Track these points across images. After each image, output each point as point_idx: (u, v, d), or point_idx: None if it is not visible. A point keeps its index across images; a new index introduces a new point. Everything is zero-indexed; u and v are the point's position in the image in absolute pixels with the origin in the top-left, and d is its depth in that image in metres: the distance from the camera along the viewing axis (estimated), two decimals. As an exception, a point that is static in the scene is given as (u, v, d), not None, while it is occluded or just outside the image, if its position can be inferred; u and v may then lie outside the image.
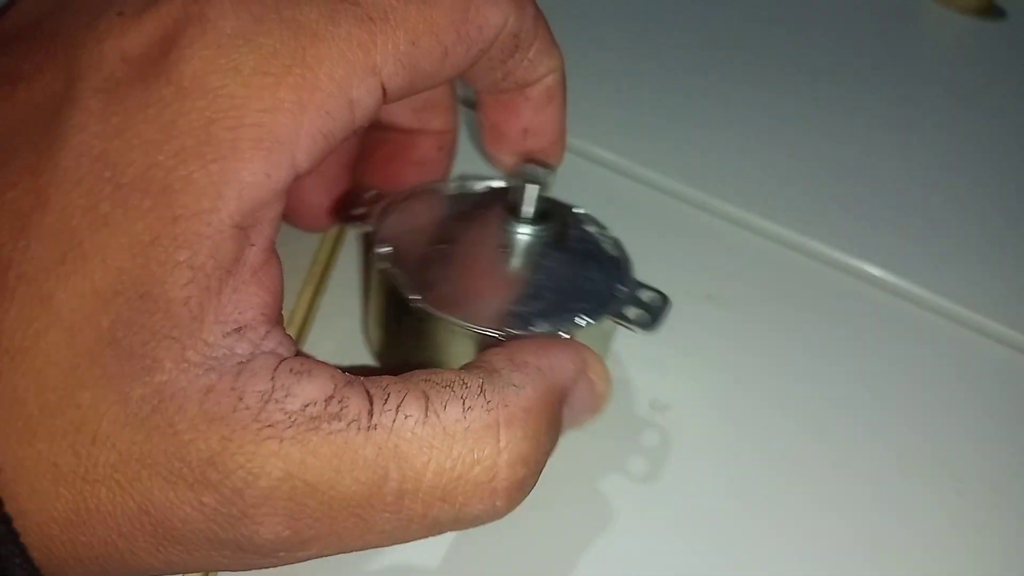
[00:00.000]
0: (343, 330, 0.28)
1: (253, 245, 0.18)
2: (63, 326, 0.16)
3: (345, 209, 0.25)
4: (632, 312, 0.24)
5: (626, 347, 0.28)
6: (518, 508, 0.19)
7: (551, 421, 0.20)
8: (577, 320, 0.23)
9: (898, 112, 0.43)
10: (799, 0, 0.51)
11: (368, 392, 0.18)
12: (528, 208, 0.24)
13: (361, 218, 0.25)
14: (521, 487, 0.19)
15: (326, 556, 0.18)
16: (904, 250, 0.34)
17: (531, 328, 0.22)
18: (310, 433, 0.17)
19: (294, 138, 0.17)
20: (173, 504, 0.17)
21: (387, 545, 0.19)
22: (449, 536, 0.23)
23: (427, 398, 0.18)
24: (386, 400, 0.18)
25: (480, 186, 0.27)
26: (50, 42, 0.18)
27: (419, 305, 0.22)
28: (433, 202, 0.26)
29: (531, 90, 0.24)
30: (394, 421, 0.18)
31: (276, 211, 0.18)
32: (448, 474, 0.18)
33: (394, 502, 0.18)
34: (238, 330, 0.17)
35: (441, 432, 0.18)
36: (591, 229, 0.26)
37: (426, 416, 0.18)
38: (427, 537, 0.19)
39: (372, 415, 0.18)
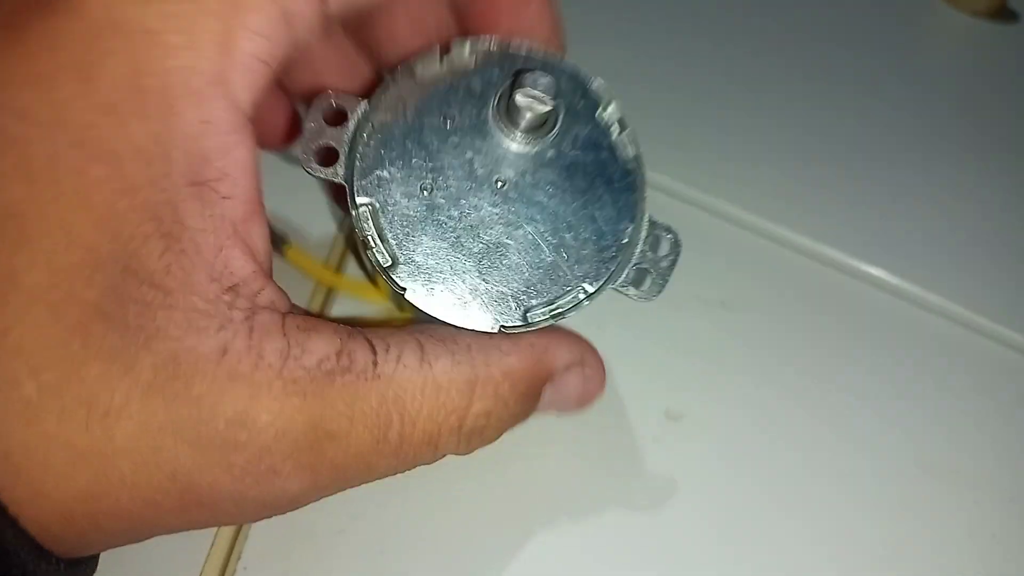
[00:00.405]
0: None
1: (227, 198, 0.17)
2: (43, 304, 0.16)
3: (308, 143, 0.20)
4: (636, 273, 0.21)
5: (639, 354, 0.27)
6: (539, 521, 0.21)
7: (525, 393, 0.21)
8: (577, 297, 0.21)
9: (908, 115, 0.42)
10: (807, 3, 0.50)
11: (371, 343, 0.19)
12: (528, 125, 0.21)
13: (329, 158, 0.20)
14: (480, 435, 0.20)
15: (327, 496, 0.19)
16: (918, 256, 0.34)
17: (528, 319, 0.20)
18: (327, 387, 0.17)
19: (226, 74, 0.16)
20: (201, 468, 0.16)
21: (374, 481, 0.20)
22: (472, 536, 0.23)
23: (422, 349, 0.19)
24: (388, 349, 0.19)
25: (467, 49, 0.22)
26: None
27: (409, 299, 0.20)
28: (412, 103, 0.21)
29: None
30: (395, 370, 0.18)
31: (241, 156, 0.17)
32: (434, 420, 0.19)
33: (395, 447, 0.18)
34: (233, 288, 0.17)
35: (432, 382, 0.19)
36: (602, 115, 0.22)
37: (420, 366, 0.19)
38: (403, 473, 0.20)
39: (376, 364, 0.18)
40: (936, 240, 0.35)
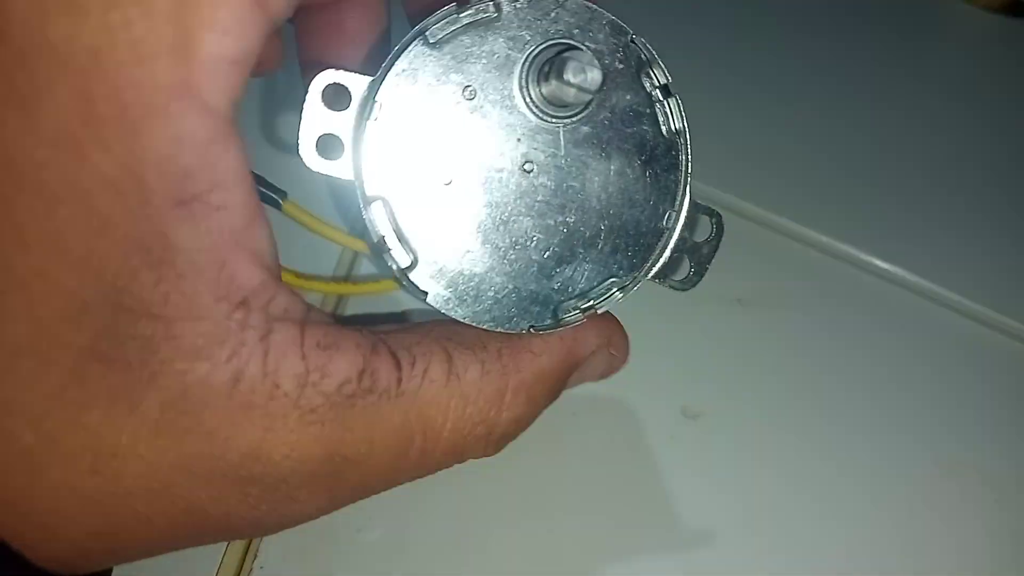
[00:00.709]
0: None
1: (221, 208, 0.15)
2: (29, 356, 0.15)
3: (309, 131, 0.18)
4: (677, 256, 0.20)
5: (655, 351, 0.27)
6: (556, 518, 0.21)
7: (554, 387, 0.20)
8: (613, 293, 0.19)
9: (925, 111, 0.42)
10: (821, 3, 0.50)
11: (395, 358, 0.18)
12: (566, 101, 0.18)
13: (333, 151, 0.18)
14: (510, 439, 0.20)
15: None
16: (937, 253, 0.33)
17: (561, 318, 0.19)
18: (346, 411, 0.17)
19: (192, 81, 0.14)
20: (216, 501, 0.16)
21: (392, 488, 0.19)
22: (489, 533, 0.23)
23: (450, 360, 0.18)
24: (413, 364, 0.18)
25: (489, 6, 0.18)
26: None
27: (434, 306, 0.19)
28: (427, 74, 0.18)
29: None
30: (420, 386, 0.18)
31: (229, 161, 0.15)
32: (460, 432, 0.18)
33: (416, 462, 0.18)
34: (243, 303, 0.16)
35: (459, 394, 0.18)
36: (647, 82, 0.20)
37: (448, 379, 0.18)
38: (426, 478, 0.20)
39: (401, 381, 0.18)
40: (954, 236, 0.35)
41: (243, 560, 0.22)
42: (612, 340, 0.21)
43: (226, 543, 0.22)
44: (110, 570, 0.19)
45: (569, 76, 0.17)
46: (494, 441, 0.19)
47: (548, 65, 0.18)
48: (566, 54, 0.17)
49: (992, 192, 0.38)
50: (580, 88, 0.17)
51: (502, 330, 0.19)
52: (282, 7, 0.15)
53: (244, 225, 0.16)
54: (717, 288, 0.30)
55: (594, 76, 0.17)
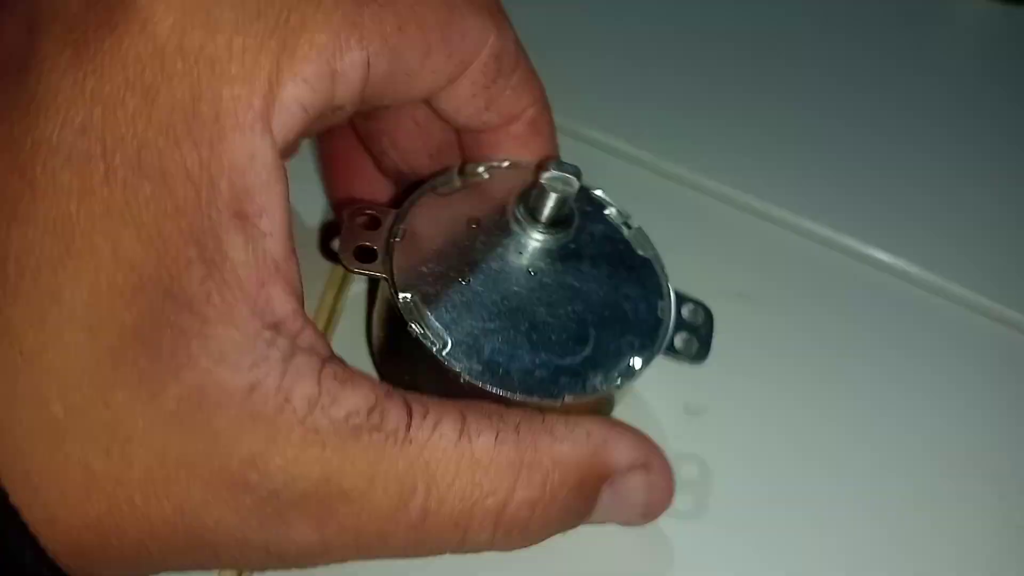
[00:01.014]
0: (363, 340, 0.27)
1: (268, 235, 0.17)
2: (81, 324, 0.15)
3: (347, 244, 0.22)
4: (679, 340, 0.23)
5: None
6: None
7: (578, 487, 0.19)
8: (632, 364, 0.21)
9: (927, 102, 0.42)
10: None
11: (408, 405, 0.18)
12: (552, 216, 0.22)
13: (368, 257, 0.22)
14: (523, 529, 0.19)
15: (338, 562, 0.18)
16: (940, 245, 0.33)
17: (586, 385, 0.21)
18: (350, 441, 0.17)
19: (271, 111, 0.17)
20: (209, 504, 0.16)
21: (392, 558, 0.19)
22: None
23: (464, 421, 0.18)
24: (425, 415, 0.18)
25: (482, 170, 0.24)
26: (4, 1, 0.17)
27: (475, 382, 0.20)
28: (439, 212, 0.23)
29: (515, 126, 0.23)
30: (429, 438, 0.18)
31: (278, 195, 0.17)
32: (467, 499, 0.18)
33: (416, 521, 0.18)
34: (275, 325, 0.17)
35: (470, 457, 0.18)
36: (612, 217, 0.24)
37: (459, 439, 0.18)
38: (429, 556, 0.19)
39: (410, 428, 0.17)
40: (961, 230, 0.35)
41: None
42: (651, 462, 0.21)
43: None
44: None
45: (552, 169, 0.21)
46: (504, 524, 0.18)
47: (535, 189, 0.22)
48: (548, 160, 0.22)
49: (995, 181, 0.38)
50: (563, 190, 0.21)
51: (534, 399, 0.20)
52: (345, 91, 0.18)
53: (284, 256, 0.17)
54: (720, 282, 0.30)
55: (570, 166, 0.22)
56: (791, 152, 0.37)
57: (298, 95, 0.17)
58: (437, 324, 0.21)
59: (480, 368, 0.20)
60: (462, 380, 0.20)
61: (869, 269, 0.33)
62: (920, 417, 0.28)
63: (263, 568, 0.19)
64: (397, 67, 0.19)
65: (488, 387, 0.20)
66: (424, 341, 0.20)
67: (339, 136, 0.26)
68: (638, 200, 0.30)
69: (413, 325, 0.20)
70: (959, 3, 0.51)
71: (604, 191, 0.25)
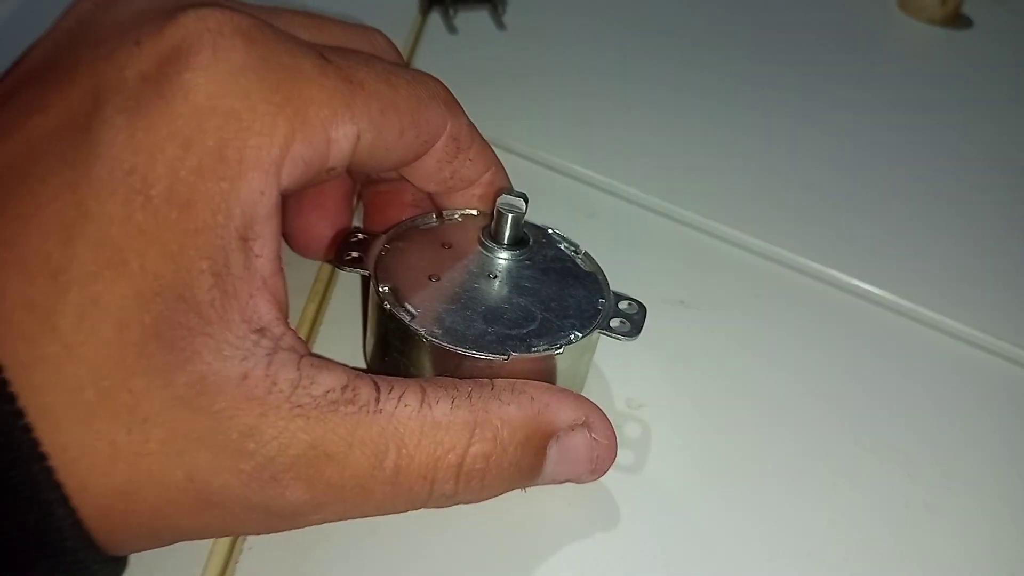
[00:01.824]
0: (345, 344, 0.30)
1: (259, 256, 0.21)
2: (112, 323, 0.19)
3: (341, 253, 0.27)
4: (615, 322, 0.27)
5: (603, 348, 0.30)
6: (507, 500, 0.23)
7: (524, 443, 0.23)
8: (571, 336, 0.25)
9: (863, 121, 0.45)
10: (767, 14, 0.53)
11: (375, 383, 0.22)
12: (508, 234, 0.27)
13: (357, 262, 0.27)
14: (480, 480, 0.23)
15: (330, 522, 0.22)
16: (861, 253, 0.37)
17: (532, 348, 0.25)
18: (330, 414, 0.21)
19: (282, 161, 0.21)
20: (215, 471, 0.20)
21: (376, 515, 0.22)
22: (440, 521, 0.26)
23: (424, 393, 0.22)
24: (391, 390, 0.22)
25: (458, 215, 0.29)
26: (73, 72, 0.21)
27: (434, 341, 0.24)
28: (419, 237, 0.28)
29: (476, 187, 0.28)
30: (395, 408, 0.21)
31: (275, 226, 0.21)
32: (431, 455, 0.22)
33: (390, 476, 0.21)
34: (260, 330, 0.21)
35: (431, 421, 0.22)
36: (564, 247, 0.29)
37: (420, 407, 0.22)
38: (406, 511, 0.23)
39: (379, 401, 0.21)
40: (880, 237, 0.38)
41: (233, 542, 0.25)
42: (592, 421, 0.24)
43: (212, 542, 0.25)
44: (125, 566, 0.22)
45: (503, 203, 0.27)
46: (464, 475, 0.22)
47: (494, 215, 0.27)
48: (503, 195, 0.28)
49: (931, 198, 0.41)
50: (514, 210, 0.27)
51: (481, 356, 0.24)
52: (337, 157, 0.22)
53: (271, 273, 0.21)
54: (662, 291, 0.33)
55: (519, 194, 0.27)
56: (730, 170, 0.40)
57: (303, 152, 0.21)
58: (407, 305, 0.25)
59: (440, 332, 0.24)
60: (425, 341, 0.24)
61: (797, 275, 0.36)
62: (841, 407, 0.31)
63: (264, 530, 0.23)
64: (378, 142, 0.23)
65: (446, 346, 0.24)
66: (396, 313, 0.25)
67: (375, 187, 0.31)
68: (590, 217, 0.33)
69: (387, 303, 0.25)
70: (905, 27, 0.55)
71: (556, 228, 0.29)
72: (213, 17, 0.21)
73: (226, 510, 0.20)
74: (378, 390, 0.21)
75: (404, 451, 0.21)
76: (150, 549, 0.22)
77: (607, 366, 0.30)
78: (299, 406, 0.20)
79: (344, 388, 0.21)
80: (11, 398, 0.18)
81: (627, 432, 0.29)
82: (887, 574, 0.26)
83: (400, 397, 0.22)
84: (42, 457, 0.18)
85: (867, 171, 0.42)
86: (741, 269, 0.36)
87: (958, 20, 0.55)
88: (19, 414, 0.18)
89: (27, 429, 0.18)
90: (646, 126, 0.43)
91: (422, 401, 0.22)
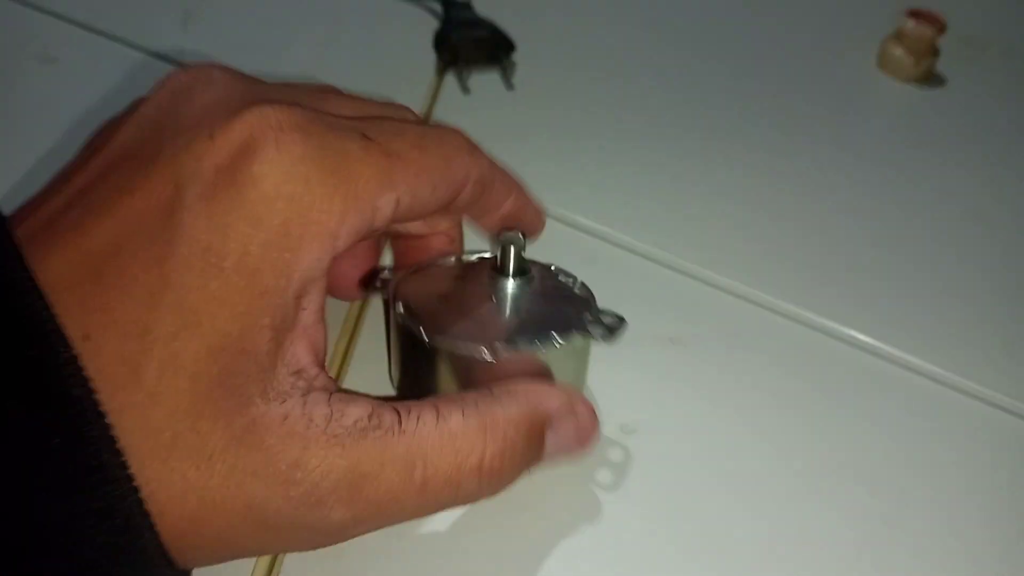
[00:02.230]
0: (372, 374, 0.34)
1: (305, 309, 0.25)
2: (187, 375, 0.23)
3: (370, 282, 0.33)
4: (596, 330, 0.31)
5: (599, 380, 0.34)
6: (509, 509, 0.27)
7: (528, 435, 0.27)
8: (554, 337, 0.29)
9: (842, 174, 0.49)
10: (748, 71, 0.58)
11: (396, 409, 0.26)
12: (510, 264, 0.31)
13: (382, 287, 0.31)
14: (498, 475, 0.26)
15: (370, 532, 0.26)
16: (836, 297, 0.41)
17: (519, 346, 0.29)
18: (361, 440, 0.24)
19: (339, 232, 0.25)
20: (268, 498, 0.23)
21: (410, 520, 0.26)
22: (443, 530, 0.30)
23: (438, 410, 0.26)
24: (409, 412, 0.25)
25: (475, 257, 0.33)
26: (155, 160, 0.24)
27: (433, 341, 0.28)
28: (437, 270, 0.32)
29: (499, 212, 0.32)
30: (416, 427, 0.25)
31: (323, 284, 0.25)
32: (453, 463, 0.25)
33: (420, 487, 0.25)
34: (297, 372, 0.24)
35: (448, 433, 0.25)
36: (563, 279, 0.33)
37: (437, 422, 0.25)
38: (436, 513, 0.27)
39: (401, 423, 0.25)
40: (858, 284, 0.42)
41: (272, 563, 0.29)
42: (575, 406, 0.29)
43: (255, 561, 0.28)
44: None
45: (505, 237, 0.31)
46: (485, 474, 0.26)
47: (498, 249, 0.31)
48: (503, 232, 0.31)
49: (903, 244, 0.45)
50: (514, 242, 0.31)
51: (478, 355, 0.28)
52: (379, 223, 0.26)
53: (312, 324, 0.25)
54: (656, 330, 0.37)
55: (519, 237, 0.31)
56: (719, 220, 0.45)
57: (355, 223, 0.25)
58: (417, 317, 0.29)
59: (441, 337, 0.28)
60: (427, 343, 0.29)
61: (783, 320, 0.40)
62: (816, 442, 0.35)
63: (312, 546, 0.26)
64: (415, 200, 0.27)
65: (448, 346, 0.28)
66: (406, 323, 0.29)
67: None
68: (590, 264, 0.37)
69: (400, 313, 0.29)
70: (883, 85, 0.59)
71: (558, 264, 0.34)
72: (274, 115, 0.24)
73: (280, 531, 0.24)
74: (399, 413, 0.25)
75: (429, 464, 0.25)
76: (215, 564, 0.26)
77: (601, 394, 0.34)
78: (334, 436, 0.24)
79: (370, 416, 0.24)
80: (112, 440, 0.22)
81: (618, 454, 0.33)
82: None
83: (419, 417, 0.25)
84: (135, 490, 0.22)
85: (845, 224, 0.46)
86: (731, 314, 0.40)
87: (932, 79, 0.60)
88: (119, 452, 0.22)
89: (124, 466, 0.22)
90: (641, 178, 0.47)
91: (437, 417, 0.25)
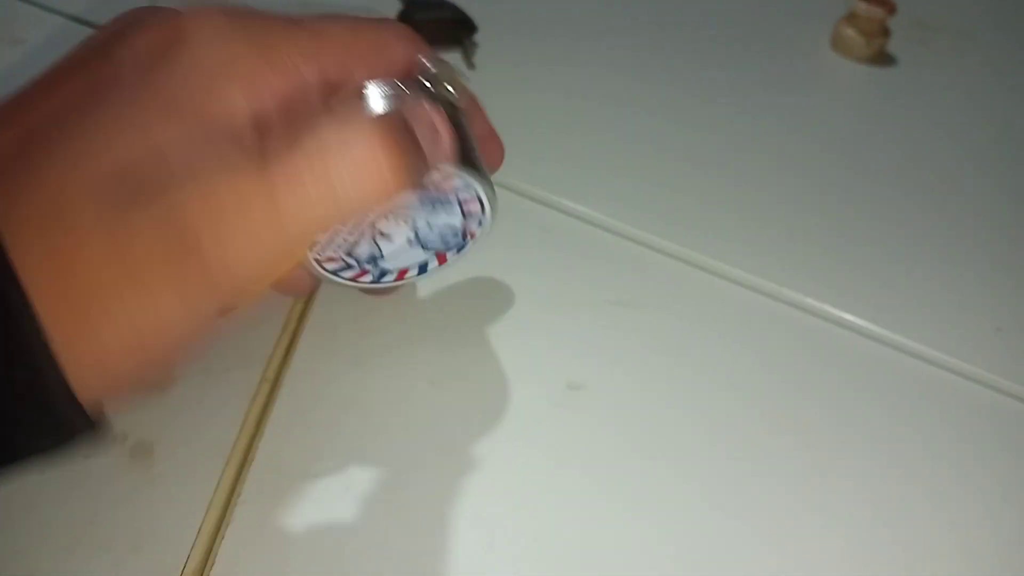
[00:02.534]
0: (315, 368, 0.36)
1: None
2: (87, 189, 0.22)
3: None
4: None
5: (547, 340, 0.35)
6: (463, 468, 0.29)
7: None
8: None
9: (793, 148, 0.51)
10: (703, 49, 0.59)
11: None
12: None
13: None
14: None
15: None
16: (783, 262, 0.42)
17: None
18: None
19: (259, 84, 0.25)
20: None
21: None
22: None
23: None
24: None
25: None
26: (95, 53, 0.25)
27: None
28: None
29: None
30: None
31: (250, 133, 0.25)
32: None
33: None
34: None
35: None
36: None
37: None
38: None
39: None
40: (807, 251, 0.44)
41: (230, 495, 0.30)
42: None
43: (214, 487, 0.30)
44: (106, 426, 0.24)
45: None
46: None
47: None
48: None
49: (851, 215, 0.47)
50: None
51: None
52: (311, 88, 0.27)
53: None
54: (603, 293, 0.39)
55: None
56: (665, 187, 0.46)
57: (274, 80, 0.25)
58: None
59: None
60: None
61: (718, 280, 0.41)
62: (755, 396, 0.36)
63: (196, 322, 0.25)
64: (347, 74, 0.27)
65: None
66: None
67: None
68: (543, 232, 0.38)
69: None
70: (835, 65, 0.60)
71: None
72: (204, 8, 0.26)
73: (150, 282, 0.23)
74: None
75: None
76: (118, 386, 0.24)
77: (550, 353, 0.36)
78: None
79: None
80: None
81: (566, 410, 0.34)
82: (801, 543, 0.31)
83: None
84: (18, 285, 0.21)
85: (795, 195, 0.47)
86: (674, 276, 0.41)
87: (883, 59, 0.61)
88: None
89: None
90: (594, 151, 0.48)
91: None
